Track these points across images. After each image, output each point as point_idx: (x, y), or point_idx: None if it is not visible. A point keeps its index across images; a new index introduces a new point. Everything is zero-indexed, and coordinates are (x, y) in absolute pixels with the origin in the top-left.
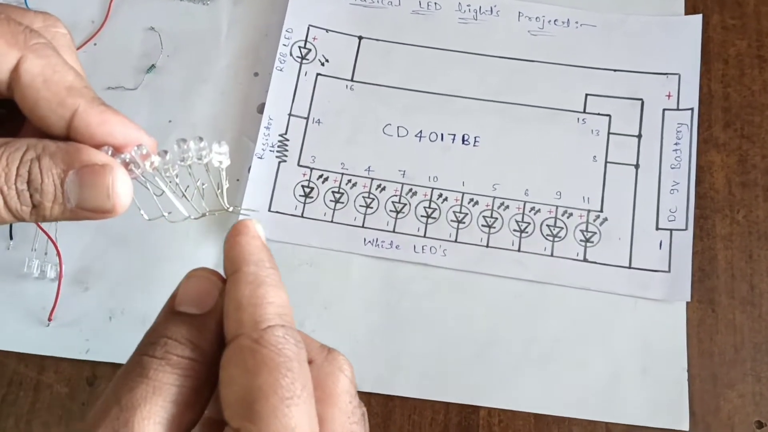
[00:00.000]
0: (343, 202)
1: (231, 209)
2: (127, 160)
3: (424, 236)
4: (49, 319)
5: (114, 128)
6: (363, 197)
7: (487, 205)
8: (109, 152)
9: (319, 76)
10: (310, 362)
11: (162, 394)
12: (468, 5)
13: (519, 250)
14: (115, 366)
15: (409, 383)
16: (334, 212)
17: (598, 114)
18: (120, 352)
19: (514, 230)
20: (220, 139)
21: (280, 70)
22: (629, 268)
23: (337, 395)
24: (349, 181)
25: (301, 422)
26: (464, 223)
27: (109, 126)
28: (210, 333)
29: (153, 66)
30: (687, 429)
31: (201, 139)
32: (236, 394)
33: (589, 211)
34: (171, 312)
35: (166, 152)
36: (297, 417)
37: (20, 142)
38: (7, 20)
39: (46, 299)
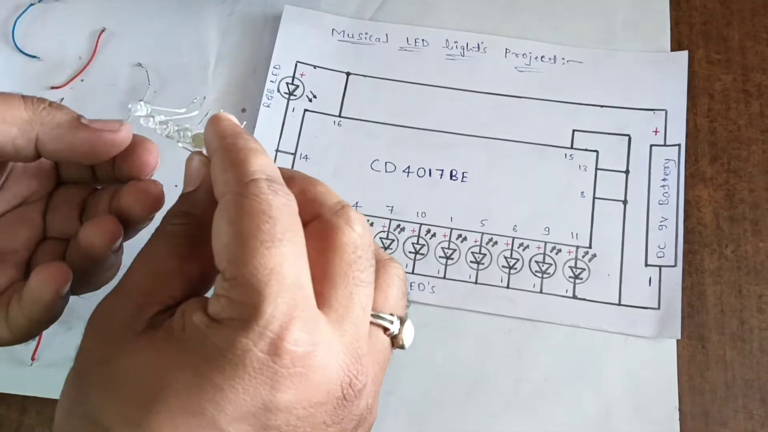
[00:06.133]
0: None
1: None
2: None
3: (413, 272)
4: (32, 359)
5: None
6: None
7: (475, 241)
8: None
9: (306, 112)
10: (317, 216)
11: (159, 251)
12: (455, 42)
13: (508, 287)
14: None
15: (398, 425)
16: None
17: (586, 150)
18: None
19: (503, 266)
20: None
21: (268, 106)
22: (619, 305)
23: (339, 245)
24: None
25: (281, 263)
26: (453, 259)
27: None
28: (199, 200)
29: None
30: None
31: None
32: (222, 241)
33: (577, 247)
34: (179, 197)
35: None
36: (276, 259)
37: None
38: None
39: None
